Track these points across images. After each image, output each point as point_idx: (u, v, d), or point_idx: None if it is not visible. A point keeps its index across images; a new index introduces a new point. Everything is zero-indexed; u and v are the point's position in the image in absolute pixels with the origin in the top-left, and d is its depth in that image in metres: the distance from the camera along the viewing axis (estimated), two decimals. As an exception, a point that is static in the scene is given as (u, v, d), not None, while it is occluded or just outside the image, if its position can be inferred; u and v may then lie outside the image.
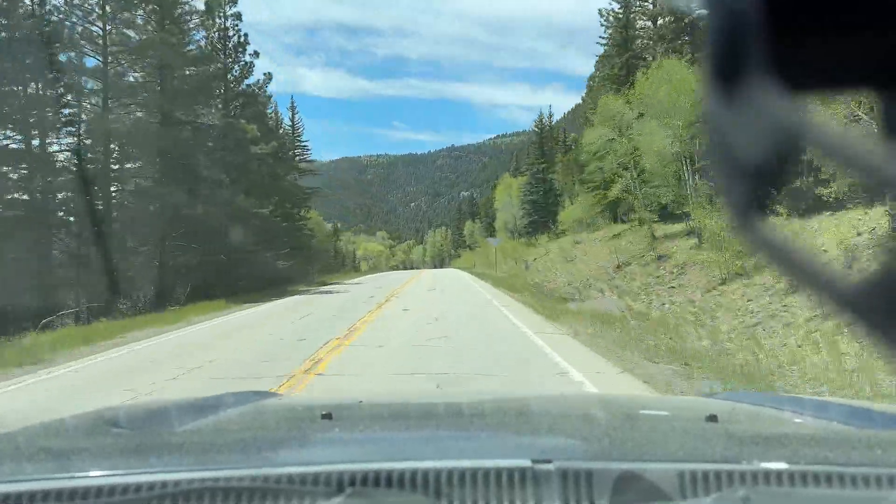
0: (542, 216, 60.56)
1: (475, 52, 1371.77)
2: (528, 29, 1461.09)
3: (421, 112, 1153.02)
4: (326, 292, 25.80)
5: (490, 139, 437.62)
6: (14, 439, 1.47)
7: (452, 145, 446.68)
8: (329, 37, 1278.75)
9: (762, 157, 0.29)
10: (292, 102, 62.62)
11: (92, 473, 1.10)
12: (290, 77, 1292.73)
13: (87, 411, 1.92)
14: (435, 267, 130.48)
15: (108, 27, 23.66)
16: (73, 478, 1.08)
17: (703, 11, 0.31)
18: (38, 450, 1.39)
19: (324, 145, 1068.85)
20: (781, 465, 1.05)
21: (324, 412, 1.58)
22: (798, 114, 0.28)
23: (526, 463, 1.04)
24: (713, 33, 0.31)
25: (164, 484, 1.01)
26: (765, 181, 0.30)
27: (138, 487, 1.01)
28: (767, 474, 1.04)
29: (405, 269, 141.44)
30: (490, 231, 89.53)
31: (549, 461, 1.04)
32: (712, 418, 1.54)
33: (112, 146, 24.30)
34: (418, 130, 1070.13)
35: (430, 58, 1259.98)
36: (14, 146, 22.06)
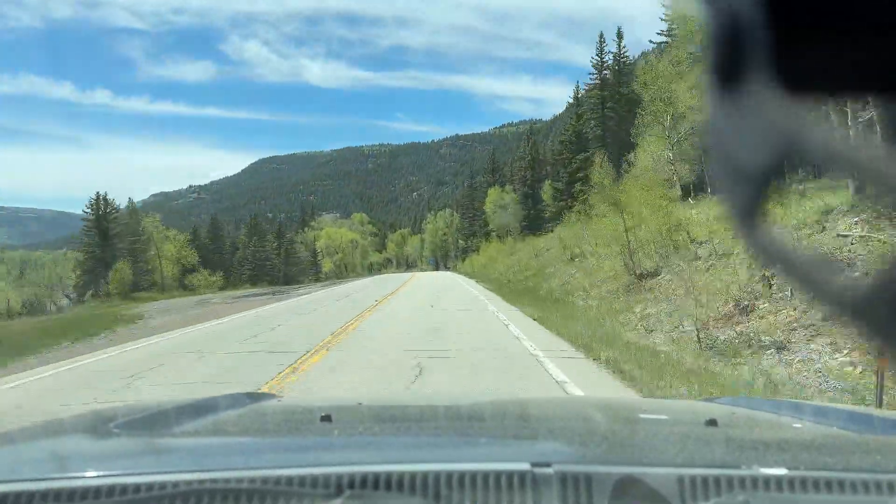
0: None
1: (477, 43, 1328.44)
2: (530, 19, 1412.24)
3: (423, 103, 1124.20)
4: None
5: (495, 128, 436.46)
6: (12, 439, 1.48)
7: (457, 134, 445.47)
8: (330, 27, 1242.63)
9: (763, 160, 0.29)
10: None
11: (90, 474, 1.10)
12: (291, 68, 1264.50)
13: (84, 412, 1.91)
14: (437, 266, 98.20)
15: None
16: (70, 478, 1.08)
17: (706, 15, 0.31)
18: (36, 450, 1.39)
19: (325, 137, 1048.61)
20: (781, 471, 1.05)
21: (323, 414, 1.58)
22: (799, 117, 0.28)
23: (525, 466, 1.04)
24: (714, 37, 0.30)
25: (162, 485, 1.01)
26: (766, 185, 0.30)
27: (137, 488, 1.01)
28: (767, 479, 1.04)
29: (398, 269, 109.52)
30: (533, 209, 56.96)
31: (548, 465, 1.04)
32: (712, 423, 1.54)
33: None
34: (421, 122, 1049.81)
35: (431, 48, 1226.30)
36: None
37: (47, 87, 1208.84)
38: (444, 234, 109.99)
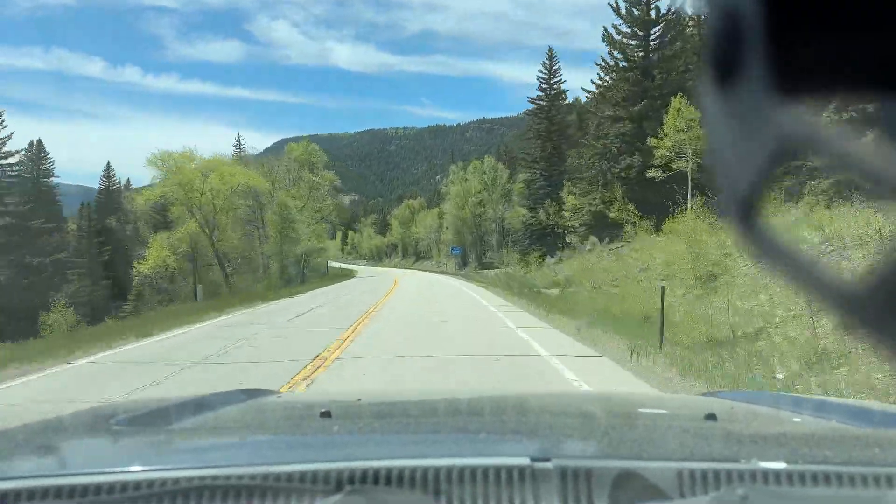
0: None
1: (506, 29, 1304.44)
2: (561, 5, 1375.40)
3: (449, 89, 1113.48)
4: None
5: (523, 113, 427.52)
6: (13, 437, 1.48)
7: (483, 117, 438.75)
8: (359, 9, 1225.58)
9: (761, 159, 0.29)
10: None
11: (90, 471, 1.10)
12: (319, 50, 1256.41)
13: (84, 409, 1.92)
14: (465, 262, 60.08)
15: None
16: (70, 475, 1.09)
17: (704, 12, 0.31)
18: (37, 447, 1.40)
19: (350, 119, 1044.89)
20: (780, 465, 1.05)
21: (322, 410, 1.58)
22: (798, 116, 0.28)
23: (525, 461, 1.04)
24: (711, 35, 0.30)
25: (162, 482, 1.02)
26: (764, 184, 0.30)
27: (137, 485, 1.02)
28: (766, 473, 1.04)
29: (405, 259, 69.83)
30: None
31: (547, 459, 1.04)
32: (711, 417, 1.55)
33: None
34: (446, 108, 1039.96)
35: (459, 34, 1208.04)
36: None
37: (79, 63, 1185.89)
38: (482, 202, 60.47)
